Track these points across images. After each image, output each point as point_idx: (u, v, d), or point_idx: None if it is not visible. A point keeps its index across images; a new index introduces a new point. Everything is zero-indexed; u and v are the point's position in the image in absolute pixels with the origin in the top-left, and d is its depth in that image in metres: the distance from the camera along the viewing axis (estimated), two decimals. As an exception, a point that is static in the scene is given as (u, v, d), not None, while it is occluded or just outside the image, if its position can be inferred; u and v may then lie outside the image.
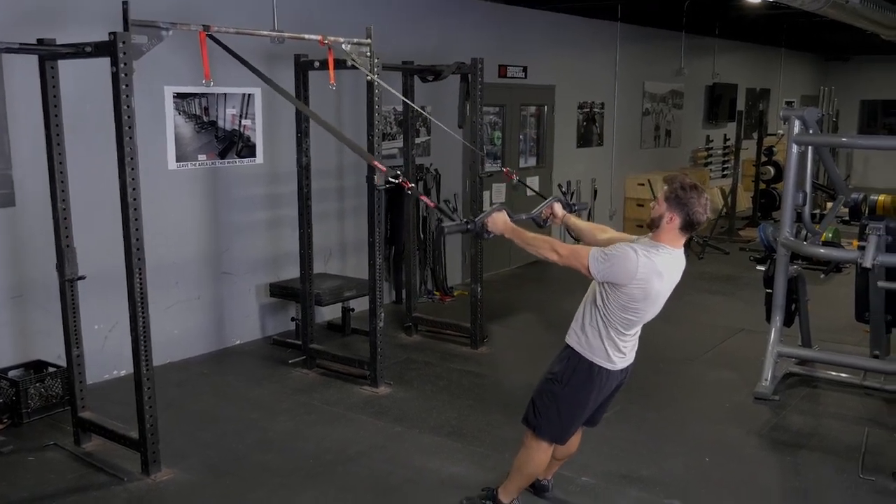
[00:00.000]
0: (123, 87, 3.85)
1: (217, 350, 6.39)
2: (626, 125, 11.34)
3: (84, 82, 5.05)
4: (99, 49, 3.92)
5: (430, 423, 4.98)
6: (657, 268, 3.28)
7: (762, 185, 11.97)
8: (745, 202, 13.25)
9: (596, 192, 10.65)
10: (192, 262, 6.20)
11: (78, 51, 4.01)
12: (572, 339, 3.53)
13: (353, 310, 6.78)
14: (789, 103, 16.22)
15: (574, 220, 3.95)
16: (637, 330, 3.53)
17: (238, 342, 6.55)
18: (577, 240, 3.93)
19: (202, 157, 6.12)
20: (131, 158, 3.95)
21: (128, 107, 3.88)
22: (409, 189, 4.17)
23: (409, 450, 4.62)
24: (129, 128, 3.91)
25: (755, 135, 12.21)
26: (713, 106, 13.42)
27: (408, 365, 6.08)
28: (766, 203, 11.97)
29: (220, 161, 6.25)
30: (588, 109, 10.51)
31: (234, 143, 6.31)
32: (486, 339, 6.53)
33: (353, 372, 5.70)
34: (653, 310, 3.44)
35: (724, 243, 10.91)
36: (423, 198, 4.08)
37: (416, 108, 5.93)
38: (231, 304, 6.49)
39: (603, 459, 4.49)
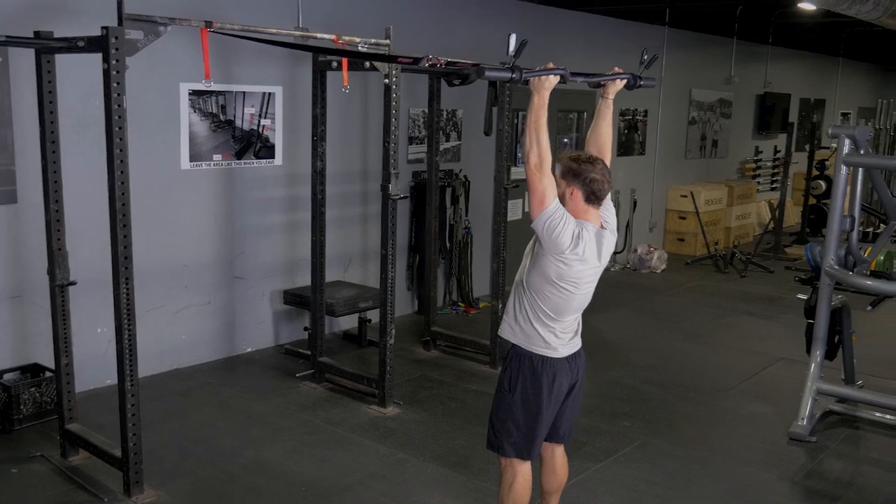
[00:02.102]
0: (115, 84, 3.61)
1: (227, 357, 6.17)
2: (670, 134, 10.89)
3: (94, 77, 4.84)
4: (91, 43, 3.69)
5: (437, 451, 4.67)
6: (582, 254, 3.13)
7: (812, 200, 11.45)
8: (793, 217, 12.72)
9: (635, 203, 10.24)
10: (203, 266, 5.98)
11: (71, 45, 3.79)
12: (506, 331, 3.34)
13: (370, 320, 6.52)
14: (845, 115, 15.59)
15: (603, 113, 3.55)
16: (573, 318, 3.31)
17: (249, 350, 6.33)
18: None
19: (217, 156, 5.89)
20: (121, 161, 3.71)
21: (119, 106, 3.65)
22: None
23: (410, 481, 4.32)
24: (120, 128, 3.68)
25: (807, 147, 11.68)
26: (764, 116, 12.89)
27: (421, 383, 5.78)
28: (816, 219, 11.45)
29: (237, 161, 6.02)
30: (630, 117, 10.11)
31: (251, 144, 6.08)
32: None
33: (361, 389, 5.42)
34: (580, 293, 3.24)
35: (768, 261, 10.42)
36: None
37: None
38: (243, 310, 6.26)
39: (616, 502, 4.14)
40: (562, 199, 3.17)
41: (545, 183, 3.07)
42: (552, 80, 3.18)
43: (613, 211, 3.37)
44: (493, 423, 3.41)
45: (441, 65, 3.77)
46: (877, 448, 5.00)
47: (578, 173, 3.17)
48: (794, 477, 4.52)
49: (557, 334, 3.27)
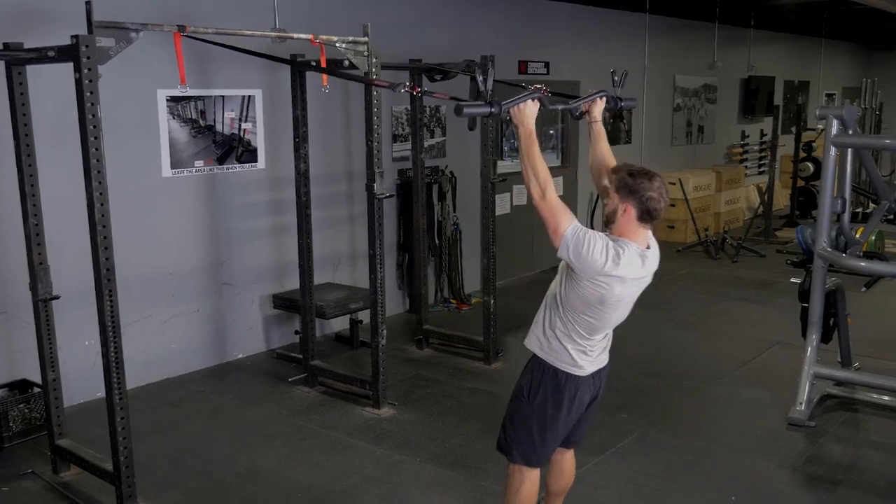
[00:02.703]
0: (88, 94, 3.53)
1: (218, 364, 6.09)
2: (655, 122, 10.85)
3: (69, 87, 4.76)
4: (62, 53, 3.60)
5: (433, 451, 4.62)
6: (621, 273, 2.93)
7: (801, 183, 11.42)
8: (782, 200, 12.70)
9: (624, 191, 10.18)
10: (190, 274, 5.90)
11: (41, 56, 3.70)
12: (533, 343, 3.22)
13: (361, 321, 6.45)
14: (830, 96, 15.58)
15: (599, 135, 3.43)
16: (605, 335, 3.20)
17: (240, 356, 6.25)
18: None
19: (199, 163, 5.81)
20: (98, 171, 3.62)
21: (93, 115, 3.56)
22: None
23: (407, 483, 4.26)
24: (96, 138, 3.59)
25: (793, 130, 11.65)
26: (749, 100, 12.86)
27: (415, 382, 5.72)
28: (805, 201, 11.43)
29: (219, 167, 5.94)
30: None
31: (233, 148, 6.00)
32: (500, 354, 6.14)
33: (355, 391, 5.36)
34: (616, 315, 3.11)
35: (759, 245, 10.39)
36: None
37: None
38: (232, 316, 6.19)
39: (617, 497, 4.10)
40: (612, 215, 3.02)
41: (553, 211, 2.93)
42: (532, 107, 3.08)
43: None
44: (507, 427, 3.29)
45: (417, 92, 3.69)
46: (876, 430, 4.96)
47: (634, 190, 2.96)
48: (795, 463, 4.48)
49: (587, 352, 3.14)
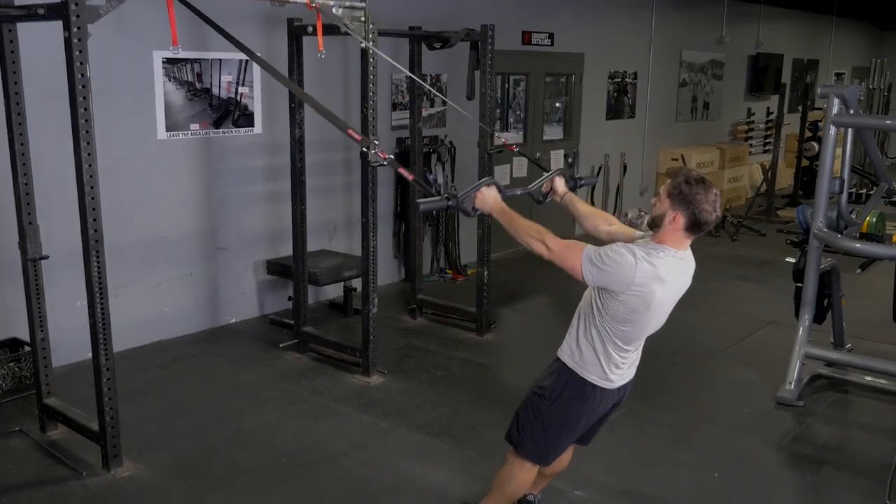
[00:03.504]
0: (77, 52, 3.49)
1: (210, 329, 6.10)
2: (660, 96, 10.75)
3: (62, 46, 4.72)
4: (52, 11, 3.56)
5: (420, 420, 4.63)
6: (659, 273, 2.83)
7: (805, 162, 11.34)
8: (786, 179, 12.63)
9: (626, 166, 10.14)
10: (184, 237, 5.89)
11: (31, 13, 3.66)
12: (565, 353, 3.10)
13: (355, 289, 6.44)
14: (839, 75, 15.42)
15: (575, 201, 3.47)
16: (639, 344, 3.11)
17: (233, 321, 6.26)
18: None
19: (195, 126, 5.77)
20: (87, 132, 3.60)
21: (82, 75, 3.53)
22: (385, 160, 3.75)
23: (393, 451, 4.28)
24: (84, 98, 3.56)
25: (800, 108, 11.55)
26: (756, 77, 12.73)
27: (406, 352, 5.72)
28: (809, 181, 11.34)
29: (215, 130, 5.91)
30: (620, 79, 9.96)
31: (229, 112, 5.96)
32: (493, 325, 6.14)
33: (346, 358, 5.36)
34: (655, 321, 3.00)
35: (760, 224, 10.35)
36: (402, 170, 3.62)
37: (416, 77, 5.50)
38: (226, 281, 6.18)
39: (602, 470, 4.11)
40: (659, 219, 2.89)
41: (563, 255, 2.90)
42: (491, 192, 3.14)
43: None
44: (520, 418, 3.21)
45: (384, 159, 3.71)
46: (865, 412, 4.96)
47: (689, 200, 2.82)
48: (781, 442, 4.48)
49: (619, 365, 3.05)
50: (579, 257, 2.86)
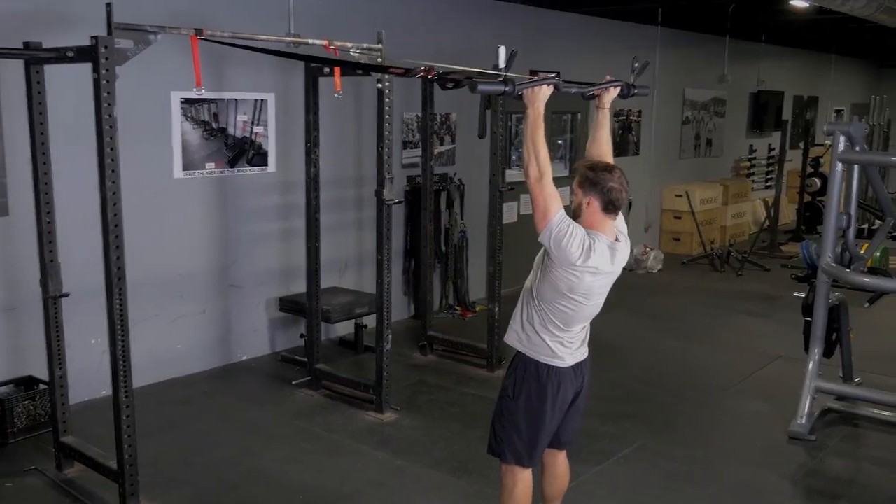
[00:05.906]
0: (105, 94, 3.59)
1: (223, 366, 6.13)
2: (664, 134, 10.88)
3: (86, 88, 4.82)
4: (81, 54, 3.66)
5: (436, 457, 4.65)
6: (592, 263, 3.05)
7: (807, 198, 11.44)
8: (788, 215, 12.72)
9: (630, 203, 10.22)
10: (198, 275, 5.95)
11: (60, 55, 3.77)
12: (512, 338, 3.30)
13: (366, 326, 6.48)
14: (839, 112, 15.58)
15: (604, 123, 3.51)
16: (582, 327, 3.29)
17: (245, 358, 6.29)
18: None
19: (210, 164, 5.86)
20: (112, 171, 3.68)
21: (109, 115, 3.62)
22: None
23: (409, 488, 4.30)
24: (111, 138, 3.65)
25: (801, 145, 11.67)
26: (758, 114, 12.89)
27: (419, 388, 5.75)
28: (811, 216, 11.47)
29: (230, 169, 6.00)
30: (624, 117, 10.09)
31: (244, 151, 6.05)
32: (503, 362, 6.16)
33: (359, 395, 5.39)
34: (590, 305, 3.20)
35: (764, 259, 10.41)
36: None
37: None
38: (238, 318, 6.23)
39: (618, 505, 4.12)
40: (578, 209, 3.14)
41: (546, 195, 3.01)
42: (546, 91, 3.13)
43: (622, 217, 3.30)
44: (495, 428, 3.37)
45: (433, 76, 3.74)
46: (876, 445, 4.98)
47: (596, 182, 3.10)
48: (795, 476, 4.50)
49: (565, 344, 3.23)
50: (557, 211, 3.02)
